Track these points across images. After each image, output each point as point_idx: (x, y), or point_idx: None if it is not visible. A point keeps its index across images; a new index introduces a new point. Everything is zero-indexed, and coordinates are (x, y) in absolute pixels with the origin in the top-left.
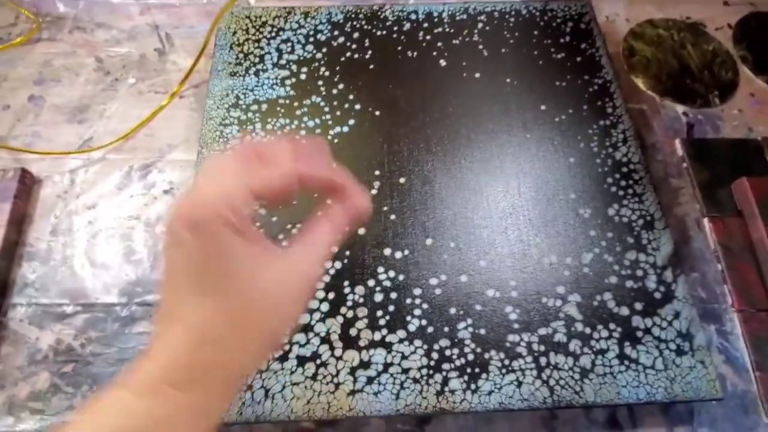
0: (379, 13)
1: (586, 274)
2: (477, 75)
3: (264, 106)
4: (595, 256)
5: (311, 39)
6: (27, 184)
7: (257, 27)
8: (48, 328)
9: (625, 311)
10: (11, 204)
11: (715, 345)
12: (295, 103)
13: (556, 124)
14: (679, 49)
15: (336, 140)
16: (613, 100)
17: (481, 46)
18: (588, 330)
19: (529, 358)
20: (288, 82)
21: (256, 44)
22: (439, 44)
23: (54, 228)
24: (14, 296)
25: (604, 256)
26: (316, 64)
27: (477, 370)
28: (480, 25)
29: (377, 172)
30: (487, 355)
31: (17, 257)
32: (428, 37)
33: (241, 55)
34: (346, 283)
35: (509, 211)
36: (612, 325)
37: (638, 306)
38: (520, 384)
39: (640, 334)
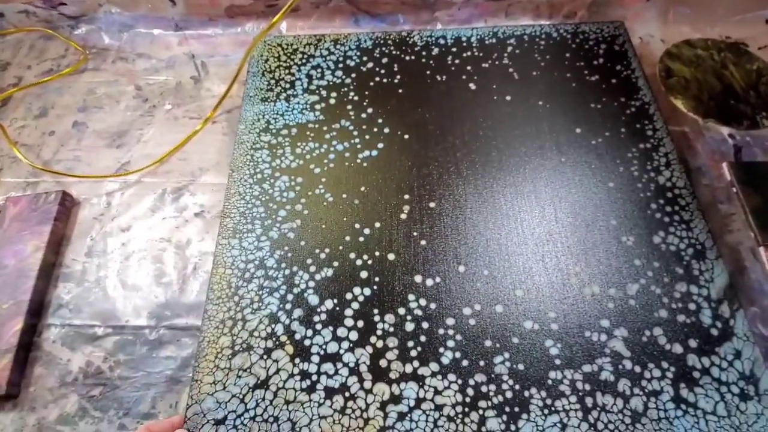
0: (407, 39)
1: (633, 307)
2: (508, 98)
3: (294, 131)
4: (641, 287)
5: (341, 65)
6: (67, 207)
7: (288, 54)
8: (79, 350)
9: (678, 348)
10: (51, 226)
11: None
12: (324, 128)
13: (592, 147)
14: (720, 69)
15: (365, 164)
16: (653, 122)
17: (511, 69)
18: (638, 368)
19: (573, 398)
20: (318, 106)
21: (287, 71)
22: (468, 68)
23: (89, 249)
24: (49, 317)
25: (651, 287)
26: (346, 89)
27: (516, 409)
28: (510, 48)
29: (406, 196)
30: (527, 393)
31: (53, 278)
32: (457, 61)
33: (272, 82)
34: (375, 311)
35: (546, 238)
36: (665, 364)
37: (693, 343)
38: (564, 427)
39: (697, 374)
